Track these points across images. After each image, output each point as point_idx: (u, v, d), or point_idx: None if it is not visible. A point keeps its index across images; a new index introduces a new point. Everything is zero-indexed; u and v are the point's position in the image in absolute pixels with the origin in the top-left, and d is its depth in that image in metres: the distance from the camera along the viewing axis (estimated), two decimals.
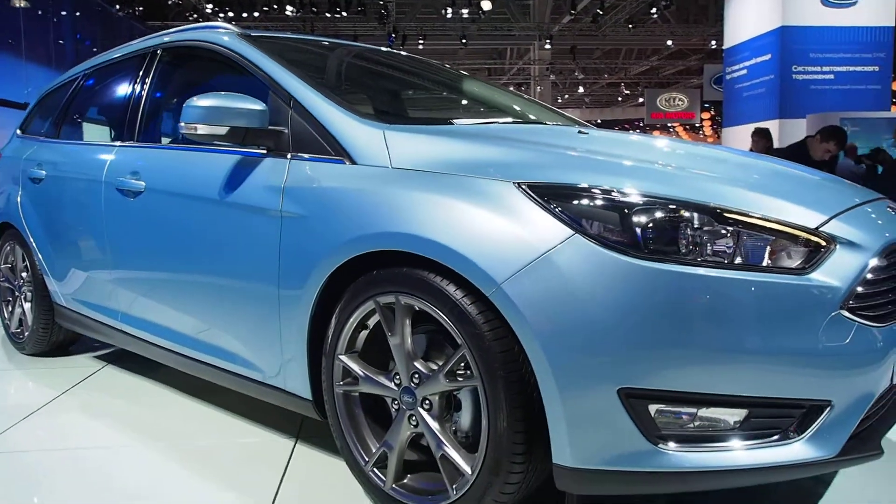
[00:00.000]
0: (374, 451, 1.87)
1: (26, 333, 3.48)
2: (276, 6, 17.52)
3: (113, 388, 3.04)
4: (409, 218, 1.68)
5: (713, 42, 22.06)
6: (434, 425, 1.72)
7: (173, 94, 2.86)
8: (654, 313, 1.43)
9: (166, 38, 2.83)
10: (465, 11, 18.80)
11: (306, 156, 2.04)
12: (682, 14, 21.27)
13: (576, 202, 1.53)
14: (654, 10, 18.63)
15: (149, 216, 2.51)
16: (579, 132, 2.23)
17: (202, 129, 2.05)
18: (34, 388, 3.11)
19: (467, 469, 1.64)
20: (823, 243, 1.52)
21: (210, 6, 17.53)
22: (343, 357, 1.89)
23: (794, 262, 1.50)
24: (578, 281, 1.46)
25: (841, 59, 11.19)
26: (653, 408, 1.46)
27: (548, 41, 21.33)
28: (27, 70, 13.37)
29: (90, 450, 2.38)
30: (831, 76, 11.22)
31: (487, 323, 1.56)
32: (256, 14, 17.83)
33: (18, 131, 3.89)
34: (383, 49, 3.28)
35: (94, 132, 3.33)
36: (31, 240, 3.31)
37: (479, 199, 1.61)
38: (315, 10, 17.80)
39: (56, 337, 3.45)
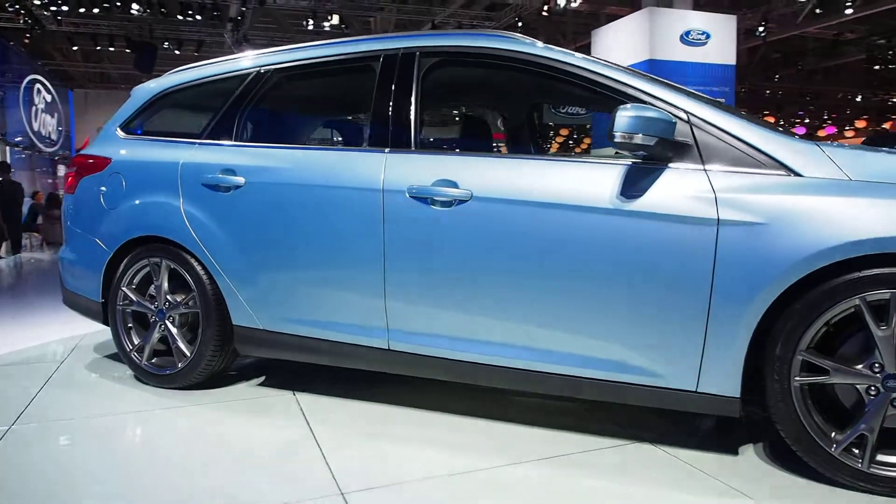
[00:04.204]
0: (834, 435, 2.04)
1: (180, 364, 3.02)
2: (119, 3, 15.96)
3: (343, 416, 2.78)
4: None
5: None
6: None
7: (468, 100, 2.72)
8: None
9: (431, 42, 2.68)
10: (310, 24, 18.60)
11: (729, 168, 2.16)
12: None
13: None
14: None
15: (484, 226, 2.40)
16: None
17: (637, 139, 2.11)
18: (267, 428, 2.67)
19: None
20: None
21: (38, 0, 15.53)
22: (805, 353, 2.03)
23: None
24: None
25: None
26: None
27: None
28: None
29: (444, 478, 2.22)
30: None
31: None
32: (96, 10, 16.11)
33: (121, 133, 3.36)
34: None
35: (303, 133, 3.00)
36: (210, 256, 2.90)
37: None
38: (164, 10, 16.61)
39: (218, 366, 3.05)
